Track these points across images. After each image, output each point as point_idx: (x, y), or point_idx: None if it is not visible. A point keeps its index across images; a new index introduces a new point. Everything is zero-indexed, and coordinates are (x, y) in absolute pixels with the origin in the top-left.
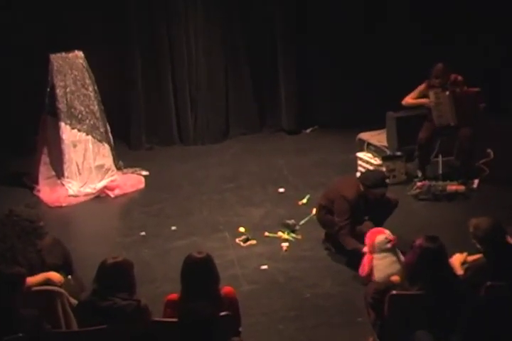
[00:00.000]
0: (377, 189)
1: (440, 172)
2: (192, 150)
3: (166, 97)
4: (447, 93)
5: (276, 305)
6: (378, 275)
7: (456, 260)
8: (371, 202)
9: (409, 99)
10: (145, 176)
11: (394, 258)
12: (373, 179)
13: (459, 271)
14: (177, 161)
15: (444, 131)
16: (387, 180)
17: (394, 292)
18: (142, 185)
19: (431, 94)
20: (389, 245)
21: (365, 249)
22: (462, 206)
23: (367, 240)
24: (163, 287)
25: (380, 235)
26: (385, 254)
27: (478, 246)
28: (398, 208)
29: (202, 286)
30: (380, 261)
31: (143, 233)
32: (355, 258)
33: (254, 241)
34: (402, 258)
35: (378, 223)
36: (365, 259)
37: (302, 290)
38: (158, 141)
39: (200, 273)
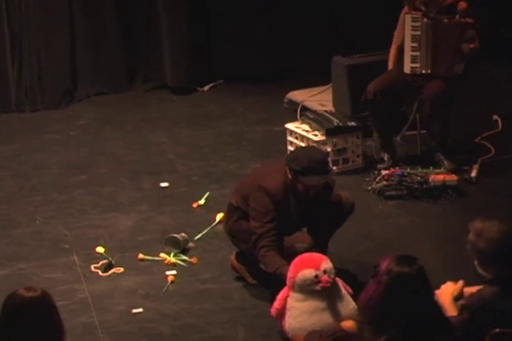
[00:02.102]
0: (310, 177)
1: (419, 152)
2: (15, 120)
3: None
4: (425, 20)
5: None
6: (289, 323)
7: (447, 293)
8: (309, 202)
9: (393, 49)
10: None
11: (322, 305)
12: (305, 160)
13: (451, 311)
14: None
15: (414, 84)
16: (332, 167)
17: None
18: None
19: (406, 18)
20: (317, 287)
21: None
22: (454, 207)
23: (290, 269)
24: None
25: (307, 270)
26: (306, 296)
27: (480, 270)
28: (354, 212)
29: None
30: (297, 304)
31: None
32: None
33: (120, 269)
34: (345, 301)
35: (322, 237)
36: (281, 293)
37: None
38: None
39: (29, 322)
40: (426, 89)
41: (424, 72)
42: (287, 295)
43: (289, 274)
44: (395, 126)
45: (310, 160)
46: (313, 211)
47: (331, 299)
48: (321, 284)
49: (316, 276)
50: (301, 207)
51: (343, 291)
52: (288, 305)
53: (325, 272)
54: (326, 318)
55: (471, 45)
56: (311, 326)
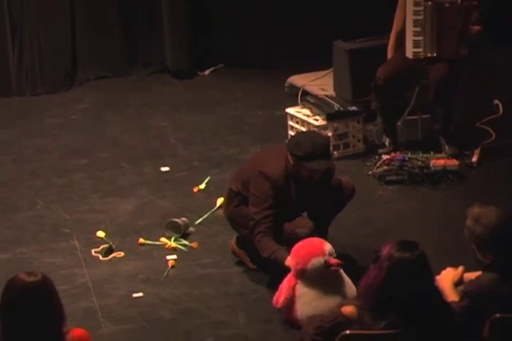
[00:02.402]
0: (314, 162)
1: (420, 137)
2: (16, 103)
3: None
4: (429, 3)
5: None
6: (303, 310)
7: (447, 279)
8: (309, 187)
9: (393, 34)
10: None
11: (331, 288)
12: (307, 146)
13: (452, 297)
14: None
15: (418, 69)
16: (333, 151)
17: (347, 331)
18: None
19: (408, 3)
20: (329, 271)
21: (288, 263)
22: (454, 191)
23: (294, 256)
24: None
25: (315, 259)
26: (317, 281)
27: (479, 255)
28: (354, 197)
29: (35, 329)
30: (307, 290)
31: None
32: (282, 277)
33: (121, 253)
34: (347, 283)
35: (322, 221)
36: (285, 283)
37: (201, 331)
38: None
39: (30, 307)
40: (431, 72)
41: (429, 55)
42: (295, 284)
43: (298, 266)
44: (399, 111)
45: (313, 145)
46: (314, 196)
47: (337, 281)
48: (332, 268)
49: (326, 262)
50: (302, 192)
51: (342, 272)
52: (298, 293)
53: (330, 254)
54: (338, 300)
55: (477, 27)
56: (326, 310)
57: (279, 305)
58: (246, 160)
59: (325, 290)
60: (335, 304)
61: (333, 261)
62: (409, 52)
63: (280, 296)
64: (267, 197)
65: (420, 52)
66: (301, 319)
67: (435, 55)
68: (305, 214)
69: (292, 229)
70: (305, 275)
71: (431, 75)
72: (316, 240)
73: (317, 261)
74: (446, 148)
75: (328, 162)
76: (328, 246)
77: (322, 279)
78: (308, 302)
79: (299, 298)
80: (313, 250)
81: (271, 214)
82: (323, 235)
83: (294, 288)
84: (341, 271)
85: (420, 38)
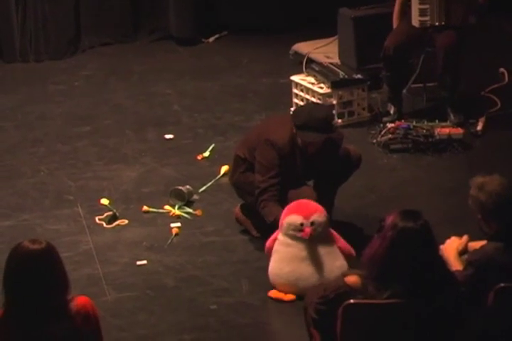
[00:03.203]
0: (307, 133)
1: (425, 105)
2: (19, 70)
3: None
4: None
5: (162, 325)
6: (271, 267)
7: (452, 248)
8: (315, 156)
9: (397, 2)
10: None
11: (302, 254)
12: (304, 116)
13: (456, 266)
14: None
15: (425, 37)
16: (337, 121)
17: (351, 301)
18: None
19: None
20: (299, 234)
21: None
22: (459, 160)
23: (285, 211)
24: None
25: (296, 216)
26: (290, 242)
27: (484, 225)
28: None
29: (39, 296)
30: (281, 248)
31: None
32: None
33: (124, 221)
34: (328, 258)
35: (328, 190)
36: (274, 234)
37: (204, 298)
38: None
39: (34, 274)
40: (438, 40)
41: (437, 24)
42: (276, 238)
43: (282, 216)
44: (406, 79)
45: (310, 116)
46: (320, 165)
47: (314, 251)
48: (302, 233)
49: (301, 225)
50: (308, 161)
51: (334, 248)
52: (274, 248)
53: (312, 224)
54: (302, 268)
55: None
56: (287, 274)
57: (266, 248)
58: (252, 128)
59: (295, 254)
60: (299, 271)
61: (307, 230)
62: (416, 20)
63: (269, 242)
64: (273, 166)
65: (427, 21)
66: (269, 275)
67: (443, 23)
68: (311, 183)
69: (297, 197)
70: (282, 229)
71: (438, 43)
72: (315, 206)
73: (295, 218)
74: (452, 116)
75: (323, 136)
76: (319, 217)
77: (298, 242)
78: (276, 260)
79: (274, 252)
80: (302, 210)
81: (277, 182)
82: (329, 206)
83: (274, 241)
84: (332, 244)
85: (426, 6)
